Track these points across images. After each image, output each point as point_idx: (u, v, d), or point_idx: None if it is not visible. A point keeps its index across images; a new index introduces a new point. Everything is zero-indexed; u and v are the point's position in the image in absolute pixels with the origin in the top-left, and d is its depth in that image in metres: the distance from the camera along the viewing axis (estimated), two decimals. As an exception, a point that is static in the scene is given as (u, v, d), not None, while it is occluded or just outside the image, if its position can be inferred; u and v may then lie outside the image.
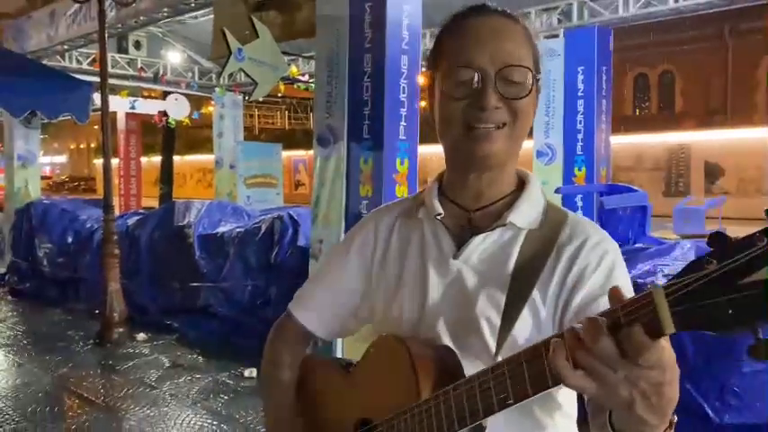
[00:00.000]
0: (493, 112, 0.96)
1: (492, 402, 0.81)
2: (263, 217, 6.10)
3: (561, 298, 0.97)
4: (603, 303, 0.79)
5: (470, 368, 0.90)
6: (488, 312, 0.98)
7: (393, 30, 4.30)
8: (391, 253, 1.11)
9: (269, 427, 1.22)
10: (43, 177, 16.79)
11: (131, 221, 7.03)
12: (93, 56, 11.35)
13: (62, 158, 47.67)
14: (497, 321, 0.96)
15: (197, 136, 27.48)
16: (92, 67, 11.26)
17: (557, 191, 8.51)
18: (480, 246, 1.02)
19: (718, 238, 0.61)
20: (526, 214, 1.03)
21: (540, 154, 9.47)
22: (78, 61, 11.61)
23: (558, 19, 9.62)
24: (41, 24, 9.64)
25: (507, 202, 1.05)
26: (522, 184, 1.08)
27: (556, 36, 9.50)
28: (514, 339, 0.94)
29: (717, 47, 23.87)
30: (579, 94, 8.96)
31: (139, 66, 12.62)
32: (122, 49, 12.47)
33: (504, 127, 0.97)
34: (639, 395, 0.69)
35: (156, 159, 18.45)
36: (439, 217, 1.05)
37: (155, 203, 13.45)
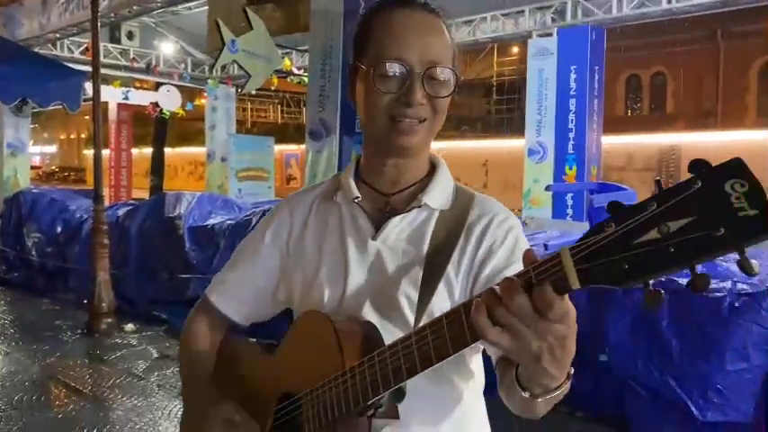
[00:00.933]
0: (417, 108, 1.01)
1: (415, 362, 0.85)
2: (254, 209, 6.10)
3: (472, 272, 1.04)
4: (509, 274, 0.84)
5: (391, 341, 0.94)
6: (407, 289, 1.03)
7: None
8: (308, 236, 1.13)
9: (188, 413, 1.21)
10: (33, 167, 16.68)
11: (121, 212, 7.00)
12: (86, 45, 11.29)
13: (52, 148, 47.33)
14: (415, 297, 1.01)
15: (188, 128, 27.36)
16: (83, 57, 11.20)
17: (547, 188, 8.55)
18: (397, 227, 1.07)
19: (615, 206, 0.68)
20: (438, 196, 1.09)
21: (531, 152, 9.51)
22: (70, 50, 11.55)
23: (552, 18, 9.64)
24: (33, 12, 9.58)
25: (421, 185, 1.10)
26: (433, 168, 1.14)
27: (549, 35, 9.53)
28: (431, 313, 1.00)
29: (709, 49, 23.99)
30: (571, 92, 9.00)
31: (132, 56, 12.56)
32: (115, 39, 12.40)
33: (424, 122, 1.03)
34: (547, 348, 0.76)
35: (147, 151, 18.38)
36: (357, 200, 1.09)
37: (145, 195, 13.40)
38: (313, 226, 1.14)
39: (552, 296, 0.71)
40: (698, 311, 3.47)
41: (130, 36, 12.32)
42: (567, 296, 0.73)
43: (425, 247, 1.05)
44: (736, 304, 3.38)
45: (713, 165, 0.65)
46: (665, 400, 3.53)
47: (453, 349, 0.82)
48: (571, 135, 8.99)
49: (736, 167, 0.64)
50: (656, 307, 0.67)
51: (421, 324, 0.92)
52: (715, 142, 17.90)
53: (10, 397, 4.22)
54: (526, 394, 0.85)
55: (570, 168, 8.95)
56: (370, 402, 0.91)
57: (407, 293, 1.03)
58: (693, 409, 3.43)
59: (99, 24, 6.06)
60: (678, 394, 3.47)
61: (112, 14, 8.79)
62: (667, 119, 23.81)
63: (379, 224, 1.08)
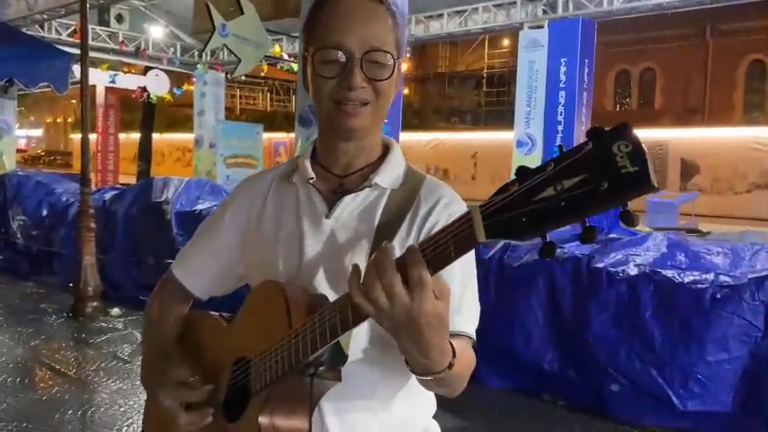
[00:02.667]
0: (358, 92, 1.06)
1: (347, 317, 0.90)
2: (242, 196, 6.07)
3: None
4: None
5: None
6: (356, 263, 1.07)
7: (379, 12, 4.29)
8: (266, 215, 1.19)
9: (147, 376, 1.26)
10: (18, 151, 16.49)
11: (108, 196, 6.96)
12: (74, 27, 11.15)
13: (38, 132, 46.80)
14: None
15: (176, 114, 27.15)
16: (71, 39, 11.07)
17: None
18: (349, 205, 1.13)
19: (521, 169, 0.76)
20: (389, 175, 1.15)
21: (520, 144, 9.54)
22: (58, 32, 11.41)
23: (543, 10, 9.65)
24: (21, -8, 9.46)
25: (373, 166, 1.16)
26: (386, 150, 1.19)
27: (540, 27, 9.54)
28: None
29: (698, 46, 24.13)
30: (561, 85, 9.02)
31: (121, 39, 12.44)
32: (104, 22, 12.28)
33: (367, 105, 1.08)
34: (401, 326, 0.84)
35: (135, 136, 18.23)
36: (311, 181, 1.15)
37: (132, 181, 13.30)
38: (271, 205, 1.19)
39: (420, 270, 0.81)
40: (680, 302, 3.52)
41: (119, 19, 12.20)
42: (426, 276, 0.81)
43: (375, 224, 1.11)
44: (718, 296, 3.43)
45: (605, 129, 0.70)
46: (646, 389, 3.58)
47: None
48: (560, 128, 9.02)
49: (623, 130, 0.69)
50: (550, 257, 0.74)
51: None
52: (702, 138, 18.04)
53: (-6, 378, 4.21)
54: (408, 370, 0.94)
55: (558, 161, 8.99)
56: (310, 359, 0.96)
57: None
58: (674, 398, 3.49)
59: (88, 6, 6.00)
60: (659, 384, 3.53)
61: (101, -4, 8.70)
62: (655, 114, 23.95)
63: (332, 203, 1.13)
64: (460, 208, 1.13)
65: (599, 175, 0.69)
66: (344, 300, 0.91)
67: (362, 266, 1.05)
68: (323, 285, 1.09)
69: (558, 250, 0.94)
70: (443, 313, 0.85)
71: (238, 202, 1.24)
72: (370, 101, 1.08)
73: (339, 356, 0.99)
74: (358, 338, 1.05)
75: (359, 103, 1.07)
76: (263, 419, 1.00)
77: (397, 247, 1.08)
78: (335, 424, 1.07)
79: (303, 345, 0.95)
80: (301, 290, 1.06)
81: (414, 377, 1.10)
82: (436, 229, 1.06)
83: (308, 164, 1.17)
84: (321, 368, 0.98)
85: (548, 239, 0.74)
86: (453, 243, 0.81)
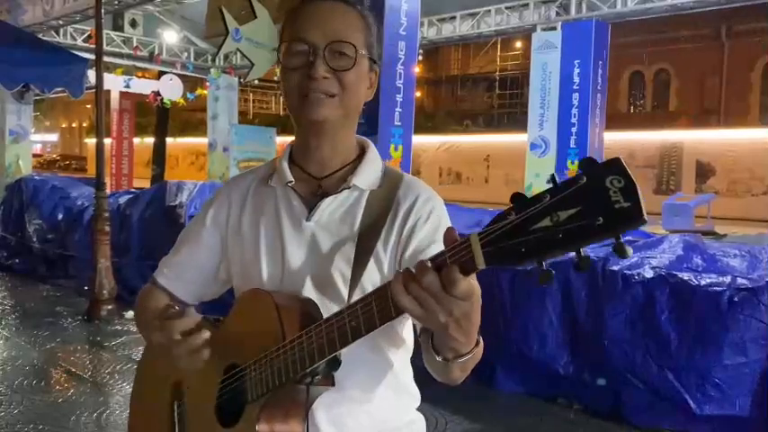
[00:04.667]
0: (322, 82, 1.08)
1: (347, 334, 0.93)
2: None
3: (399, 248, 1.12)
4: (432, 251, 0.96)
5: (328, 315, 1.01)
6: (340, 266, 1.11)
7: (391, 15, 4.30)
8: (246, 218, 1.20)
9: (137, 388, 1.31)
10: (34, 155, 16.67)
11: (123, 200, 7.01)
12: (89, 32, 11.26)
13: (53, 137, 47.27)
14: (348, 273, 1.10)
15: (190, 118, 27.34)
16: (86, 44, 11.17)
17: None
18: (329, 208, 1.14)
19: (517, 197, 0.79)
20: (367, 177, 1.16)
21: (533, 146, 9.50)
22: (73, 37, 11.52)
23: (557, 12, 9.62)
24: (37, -2, 9.56)
25: (350, 168, 1.17)
26: (363, 151, 1.20)
27: (553, 29, 9.50)
28: (363, 287, 1.08)
29: (713, 47, 23.94)
30: (575, 87, 8.97)
31: (135, 44, 12.53)
32: (118, 27, 12.38)
33: (334, 97, 1.10)
34: (453, 320, 0.86)
35: (149, 140, 18.35)
36: (290, 184, 1.16)
37: (146, 185, 13.39)
38: (249, 210, 1.20)
39: (458, 276, 0.82)
40: (697, 306, 3.48)
41: (134, 24, 12.30)
42: (471, 277, 0.84)
43: (357, 226, 1.12)
44: (735, 299, 3.39)
45: (598, 162, 0.73)
46: (662, 393, 3.54)
47: (380, 322, 0.91)
48: (573, 130, 8.97)
49: (616, 166, 0.72)
50: (547, 284, 0.77)
51: (354, 298, 1.01)
52: (717, 140, 17.87)
53: (10, 381, 4.24)
54: (439, 358, 0.96)
55: (572, 163, 8.94)
56: (307, 370, 0.98)
57: (341, 270, 1.11)
58: (691, 402, 3.44)
59: (102, 11, 6.05)
60: (676, 388, 3.48)
61: (116, 2, 8.77)
62: (670, 116, 23.77)
63: (312, 206, 1.14)
64: (439, 203, 1.16)
65: (594, 209, 0.72)
66: (341, 315, 0.94)
67: (346, 270, 1.10)
68: (308, 289, 1.11)
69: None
70: (479, 293, 0.88)
71: (218, 205, 1.24)
72: (337, 93, 1.09)
73: (334, 364, 1.01)
74: None
75: (324, 94, 1.09)
76: (261, 427, 1.03)
77: (381, 247, 1.11)
78: (324, 419, 1.11)
79: (300, 357, 0.98)
80: (290, 297, 1.08)
81: (396, 370, 1.17)
82: (420, 227, 1.12)
83: (285, 166, 1.17)
84: (317, 377, 1.00)
85: (544, 267, 0.77)
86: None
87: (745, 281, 3.45)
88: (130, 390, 1.38)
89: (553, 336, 3.95)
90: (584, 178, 0.73)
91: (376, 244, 1.11)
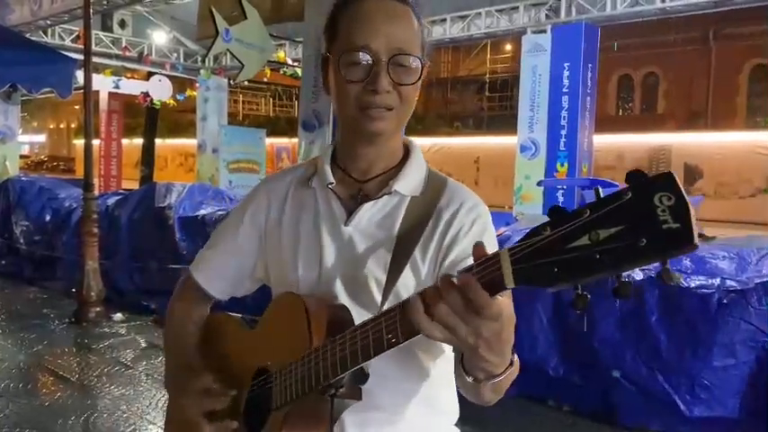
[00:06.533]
0: (384, 96, 1.03)
1: (369, 348, 0.88)
2: (244, 201, 6.05)
3: (439, 256, 1.08)
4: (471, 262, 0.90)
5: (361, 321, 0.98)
6: (375, 272, 1.07)
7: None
8: (286, 218, 1.17)
9: (170, 381, 1.26)
10: (22, 156, 16.52)
11: (111, 201, 6.95)
12: (77, 33, 11.19)
13: (41, 138, 46.89)
14: (383, 279, 1.06)
15: (179, 119, 27.21)
16: (75, 44, 11.10)
17: (539, 183, 8.58)
18: (368, 212, 1.11)
19: (554, 210, 0.72)
20: (409, 182, 1.12)
21: (523, 148, 9.53)
22: (61, 37, 11.44)
23: (546, 15, 9.65)
24: (25, -2, 9.49)
25: (393, 172, 1.13)
26: (407, 153, 1.17)
27: (543, 32, 9.54)
28: (398, 294, 1.04)
29: (701, 50, 24.11)
30: (564, 89, 9.01)
31: (124, 45, 12.46)
32: (107, 28, 12.31)
33: (392, 110, 1.05)
34: (483, 342, 0.79)
35: (138, 141, 18.26)
36: (331, 186, 1.13)
37: (135, 186, 13.31)
38: (289, 210, 1.18)
39: (485, 297, 0.75)
40: (686, 307, 3.49)
41: (122, 24, 12.24)
42: (499, 296, 0.77)
43: (395, 232, 1.09)
44: (725, 301, 3.41)
45: (647, 176, 0.66)
46: (652, 394, 3.55)
47: (403, 338, 0.85)
48: (563, 132, 9.01)
49: (667, 181, 0.65)
50: (582, 309, 0.70)
51: (387, 305, 0.99)
52: (705, 143, 17.98)
53: (-4, 384, 4.19)
54: (470, 379, 0.90)
55: (561, 165, 8.98)
56: (331, 382, 0.95)
57: (376, 276, 1.07)
58: (680, 404, 3.45)
59: (91, 12, 6.01)
60: (666, 389, 3.50)
61: (105, 2, 8.72)
62: (658, 119, 23.92)
63: (351, 210, 1.11)
64: (484, 212, 1.12)
65: (638, 229, 0.65)
66: (365, 328, 0.89)
67: (381, 275, 1.06)
68: (342, 294, 1.08)
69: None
70: (511, 310, 0.83)
71: (257, 203, 1.22)
72: (395, 106, 1.05)
73: (361, 377, 0.97)
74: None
75: (384, 108, 1.04)
76: None
77: (419, 254, 1.07)
78: None
79: (324, 367, 0.94)
80: (322, 302, 1.05)
81: (432, 383, 1.11)
82: (463, 236, 1.07)
83: (327, 168, 1.14)
84: (342, 389, 0.96)
85: (579, 291, 0.70)
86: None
87: (733, 283, 3.47)
88: (118, 392, 1.36)
89: (543, 337, 3.95)
90: (630, 193, 0.66)
91: (414, 251, 1.07)
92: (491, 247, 0.81)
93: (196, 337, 1.26)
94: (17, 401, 3.94)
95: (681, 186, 0.64)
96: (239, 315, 1.23)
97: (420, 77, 1.06)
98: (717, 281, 3.50)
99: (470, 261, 0.97)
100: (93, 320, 5.70)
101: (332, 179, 1.13)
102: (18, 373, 4.45)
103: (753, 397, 3.39)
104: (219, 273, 1.25)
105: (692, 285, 3.51)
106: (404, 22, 1.06)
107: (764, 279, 3.44)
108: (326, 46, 1.11)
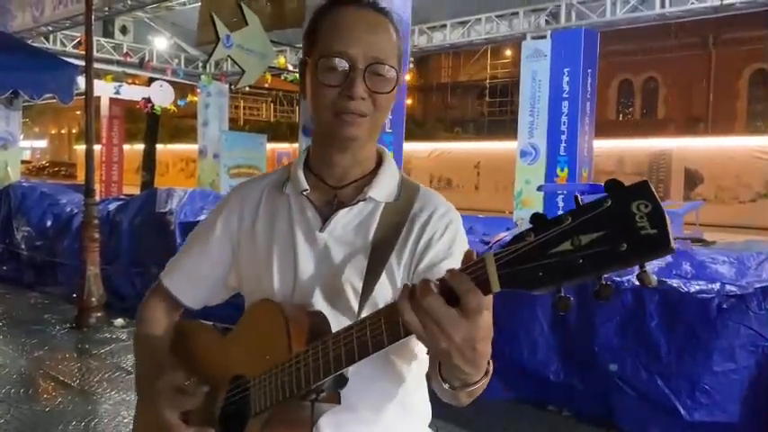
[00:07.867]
0: (359, 102, 1.05)
1: (353, 352, 0.89)
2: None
3: (413, 262, 1.09)
4: (446, 265, 0.91)
5: (338, 328, 0.98)
6: (352, 278, 1.08)
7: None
8: (259, 225, 1.17)
9: (141, 390, 1.25)
10: (23, 162, 16.55)
11: (112, 207, 6.97)
12: (79, 39, 11.22)
13: (42, 143, 46.98)
14: (359, 286, 1.07)
15: (180, 125, 27.27)
16: (76, 50, 11.13)
17: (539, 188, 8.58)
18: (343, 219, 1.11)
19: (537, 217, 0.74)
20: (383, 189, 1.13)
21: (523, 153, 9.55)
22: (63, 43, 11.48)
23: (546, 20, 9.69)
24: (27, 4, 9.54)
25: (368, 178, 1.14)
26: (380, 161, 1.18)
27: (543, 37, 9.56)
28: (375, 301, 1.05)
29: (700, 56, 24.18)
30: (564, 95, 9.02)
31: (125, 51, 12.50)
32: (108, 34, 12.35)
33: (365, 117, 1.07)
34: (455, 348, 0.79)
35: (139, 147, 18.29)
36: (305, 192, 1.13)
37: (136, 191, 13.33)
38: (263, 216, 1.17)
39: (474, 289, 0.76)
40: (686, 312, 3.50)
41: (124, 31, 12.28)
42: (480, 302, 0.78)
43: (370, 239, 1.09)
44: (724, 305, 3.41)
45: (624, 185, 0.69)
46: (652, 399, 3.55)
47: (388, 341, 0.86)
48: (563, 137, 9.02)
49: (643, 189, 0.68)
50: (565, 311, 0.73)
51: (364, 312, 1.00)
52: (705, 148, 18.02)
53: (-3, 389, 4.20)
54: (446, 386, 0.91)
55: (562, 170, 8.99)
56: (312, 387, 0.95)
57: (352, 283, 1.08)
58: (680, 408, 3.45)
59: (93, 18, 6.03)
60: (666, 394, 3.49)
61: (106, 8, 8.75)
62: (658, 124, 23.97)
63: (326, 216, 1.12)
64: (456, 217, 1.14)
65: (618, 234, 0.68)
66: (349, 332, 0.90)
67: (357, 282, 1.07)
68: (318, 301, 1.08)
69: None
70: (490, 323, 0.83)
71: (229, 209, 1.21)
72: (369, 113, 1.06)
73: (340, 381, 0.98)
74: None
75: (357, 114, 1.05)
76: None
77: (394, 260, 1.08)
78: None
79: (305, 373, 0.95)
80: (299, 309, 1.05)
81: (408, 388, 1.13)
82: (436, 241, 1.08)
83: (301, 174, 1.14)
84: (323, 394, 0.97)
85: (562, 293, 0.73)
86: None
87: (733, 287, 3.47)
88: (119, 398, 1.36)
89: (543, 342, 3.96)
90: (609, 201, 0.69)
91: (389, 257, 1.08)
92: (463, 253, 0.82)
93: (166, 343, 1.25)
94: (18, 407, 3.94)
95: (656, 194, 0.68)
96: (210, 323, 1.22)
97: (395, 87, 1.08)
98: (716, 285, 3.51)
99: (443, 265, 1.00)
100: (93, 326, 5.71)
101: (306, 186, 1.13)
102: (19, 378, 4.46)
103: (753, 401, 3.38)
104: (191, 280, 1.24)
105: (692, 290, 3.52)
106: (383, 32, 1.07)
107: (764, 284, 3.44)
108: (306, 50, 1.12)
